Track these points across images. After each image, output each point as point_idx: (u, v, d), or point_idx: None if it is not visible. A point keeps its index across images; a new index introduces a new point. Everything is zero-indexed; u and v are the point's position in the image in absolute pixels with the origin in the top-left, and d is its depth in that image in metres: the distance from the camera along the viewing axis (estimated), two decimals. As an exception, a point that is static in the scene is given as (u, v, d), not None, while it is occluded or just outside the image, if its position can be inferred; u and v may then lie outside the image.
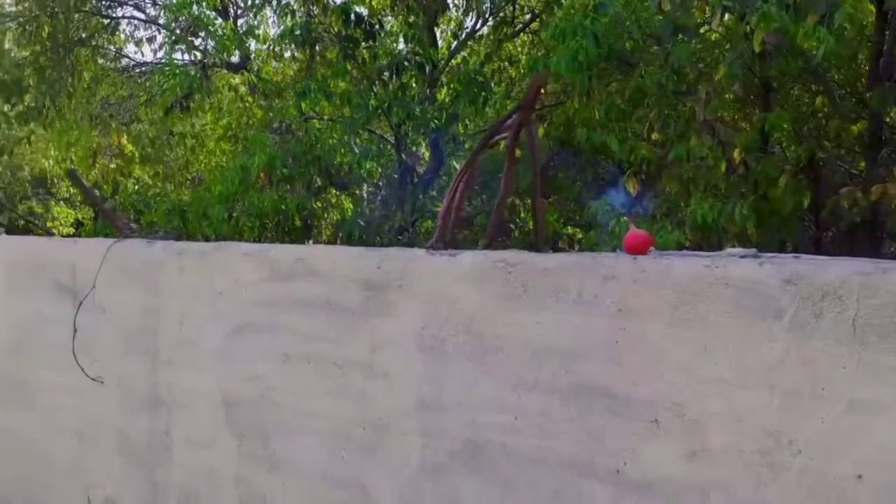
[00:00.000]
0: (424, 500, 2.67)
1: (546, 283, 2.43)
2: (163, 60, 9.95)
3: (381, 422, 2.75)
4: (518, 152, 2.89)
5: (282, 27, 7.96)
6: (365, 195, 11.19)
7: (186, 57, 9.56)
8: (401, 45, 8.47)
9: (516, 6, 9.16)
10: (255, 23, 9.43)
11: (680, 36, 5.03)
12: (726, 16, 4.78)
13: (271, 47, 9.01)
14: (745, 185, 5.12)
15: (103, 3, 11.39)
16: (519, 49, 9.91)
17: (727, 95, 6.25)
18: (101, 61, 11.62)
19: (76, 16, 10.80)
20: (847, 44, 5.29)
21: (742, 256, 2.22)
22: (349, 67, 7.79)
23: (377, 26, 7.84)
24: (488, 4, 8.49)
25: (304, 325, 2.92)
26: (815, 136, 6.37)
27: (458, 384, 2.59)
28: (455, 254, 2.64)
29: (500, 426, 2.51)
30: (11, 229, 13.15)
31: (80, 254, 3.58)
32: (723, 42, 5.44)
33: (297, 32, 7.57)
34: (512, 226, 9.22)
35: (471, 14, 8.81)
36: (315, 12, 8.00)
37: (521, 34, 9.90)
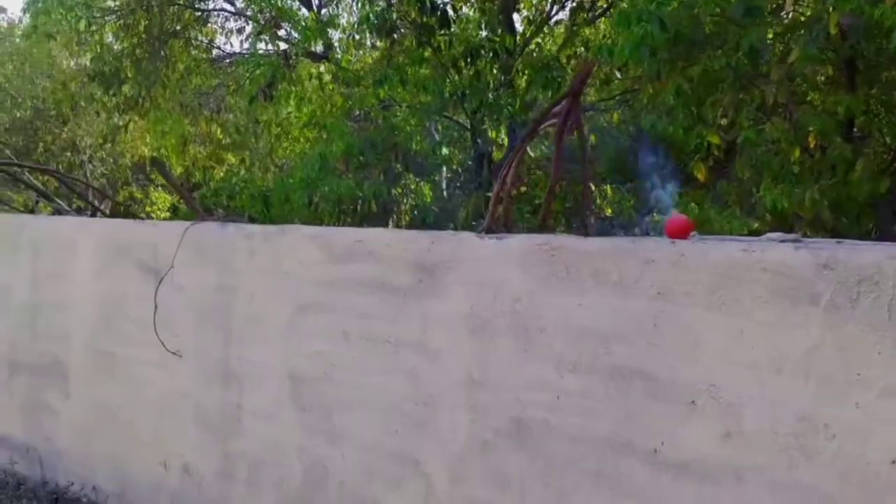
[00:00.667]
0: (472, 475, 2.77)
1: (588, 266, 2.49)
2: (248, 51, 10.32)
3: (431, 398, 2.87)
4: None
5: (359, 16, 8.14)
6: (444, 181, 11.33)
7: (271, 47, 9.90)
8: (477, 32, 8.53)
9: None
10: (337, 12, 9.67)
11: (753, 18, 4.91)
12: (801, -4, 4.66)
13: (351, 36, 9.22)
14: (820, 170, 4.98)
15: (195, -5, 11.87)
16: (598, 34, 9.83)
17: (803, 78, 6.07)
18: (193, 52, 12.12)
19: (170, 9, 11.31)
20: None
21: (782, 241, 2.23)
22: (425, 55, 7.91)
23: (452, 13, 7.93)
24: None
25: (361, 305, 3.05)
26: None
27: (503, 363, 2.68)
28: (502, 237, 2.72)
29: (543, 404, 2.59)
30: (114, 214, 13.89)
31: (160, 236, 3.82)
32: (798, 24, 5.28)
33: (374, 20, 7.74)
34: (588, 212, 9.19)
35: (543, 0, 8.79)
36: (392, 0, 8.16)
37: (602, 19, 9.81)
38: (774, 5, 5.24)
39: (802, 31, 5.03)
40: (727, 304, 2.21)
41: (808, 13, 4.94)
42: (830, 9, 4.48)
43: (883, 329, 1.96)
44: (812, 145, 5.08)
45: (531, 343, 2.61)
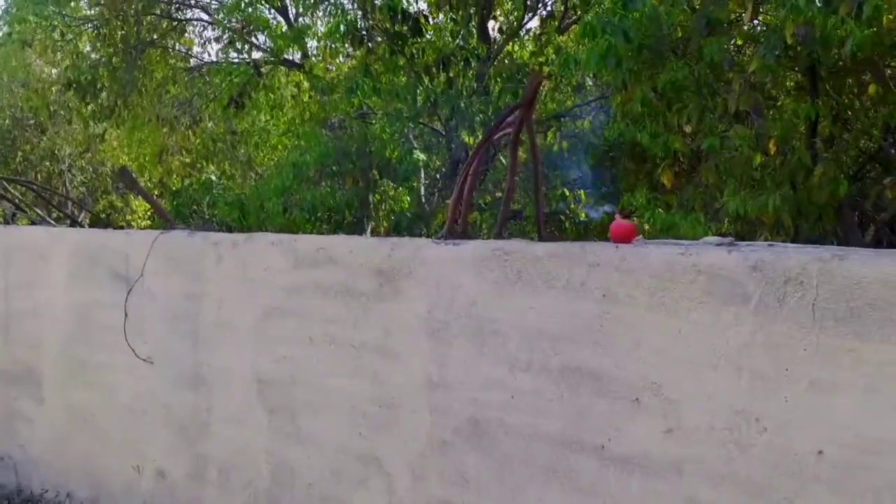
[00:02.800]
0: (433, 474, 2.87)
1: (538, 270, 2.59)
2: (221, 60, 10.38)
3: (393, 400, 2.96)
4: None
5: (332, 24, 8.24)
6: (422, 188, 11.44)
7: (245, 56, 9.95)
8: (450, 41, 8.64)
9: (567, 1, 9.23)
10: (311, 21, 9.76)
11: (712, 31, 5.06)
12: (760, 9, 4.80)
13: (325, 44, 9.31)
14: (780, 176, 5.13)
15: (172, 5, 11.91)
16: (571, 42, 9.98)
17: (772, 85, 6.23)
18: (170, 61, 12.15)
19: (147, 18, 11.34)
20: (889, 33, 5.24)
21: (718, 245, 2.34)
22: (399, 63, 8.01)
23: (423, 22, 8.04)
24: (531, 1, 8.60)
25: (325, 310, 3.14)
26: (863, 126, 6.29)
27: (460, 364, 2.78)
28: (458, 243, 2.82)
29: (498, 404, 2.69)
30: (94, 224, 13.87)
31: (131, 245, 3.89)
32: (757, 35, 5.43)
33: (344, 29, 7.84)
34: (562, 216, 9.34)
35: (517, 9, 8.92)
36: (366, 10, 8.25)
37: (574, 27, 9.96)
38: (735, 17, 5.39)
39: (762, 41, 5.18)
40: (666, 305, 2.32)
41: (768, 24, 5.08)
42: (786, 20, 4.62)
43: (808, 327, 2.08)
44: (773, 151, 5.22)
45: (486, 345, 2.71)
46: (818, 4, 4.38)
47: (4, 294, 4.47)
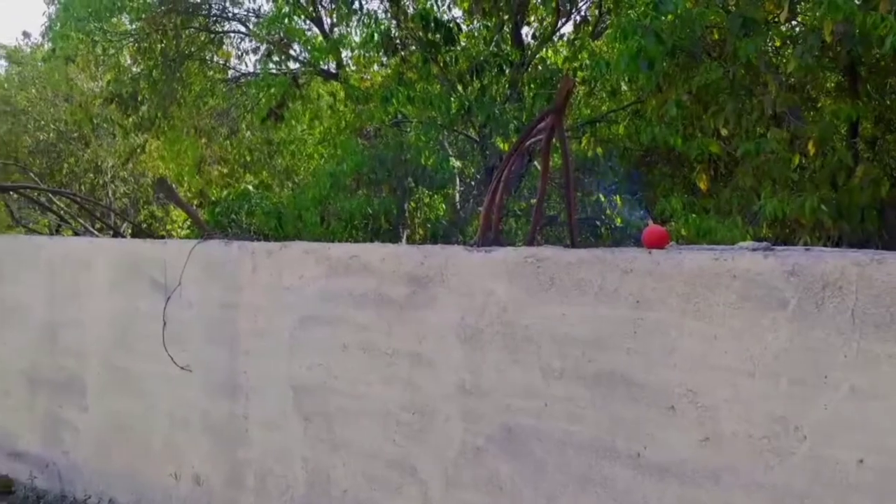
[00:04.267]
0: (466, 481, 2.87)
1: (570, 276, 2.58)
2: (260, 71, 10.54)
3: (426, 407, 2.96)
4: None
5: (366, 35, 8.30)
6: (457, 195, 11.47)
7: (283, 67, 10.09)
8: (484, 48, 8.66)
9: (601, 5, 9.19)
10: (346, 31, 9.86)
11: (748, 31, 4.99)
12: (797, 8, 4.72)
13: (360, 54, 9.39)
14: (820, 178, 5.03)
15: (210, 18, 12.12)
16: (605, 47, 9.93)
17: (812, 85, 6.13)
18: (208, 73, 12.37)
19: (185, 32, 11.57)
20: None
21: (753, 249, 2.31)
22: (433, 71, 8.05)
23: (456, 30, 8.08)
24: (564, 7, 8.58)
25: (359, 317, 3.16)
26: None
27: (493, 371, 2.77)
28: (490, 250, 2.82)
29: (531, 411, 2.68)
30: (136, 234, 14.16)
31: (169, 254, 3.95)
32: (794, 34, 5.35)
33: (378, 39, 7.90)
34: (597, 222, 9.28)
35: (550, 14, 8.89)
36: (399, 19, 8.31)
37: (608, 31, 9.90)
38: (771, 16, 5.32)
39: (799, 41, 5.10)
40: (701, 311, 2.29)
41: (805, 23, 5.00)
42: (824, 18, 4.54)
43: (848, 332, 2.04)
44: (812, 153, 5.13)
45: (519, 351, 2.70)
46: (857, 2, 4.29)
47: (50, 304, 4.57)
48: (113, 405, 4.26)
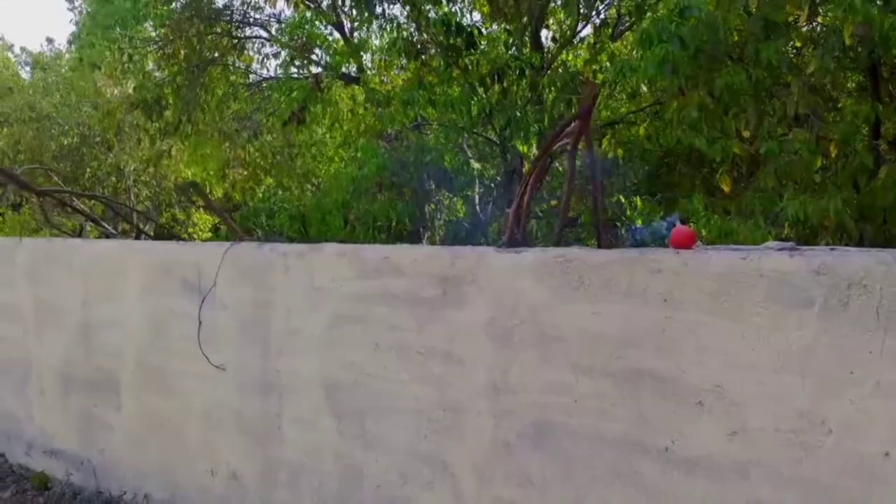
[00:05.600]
0: (497, 476, 2.94)
1: (599, 276, 2.65)
2: (282, 76, 10.68)
3: (458, 404, 3.04)
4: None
5: (388, 40, 8.40)
6: (477, 197, 11.55)
7: (304, 72, 10.22)
8: (504, 51, 8.74)
9: (621, 7, 9.25)
10: (366, 36, 9.97)
11: (770, 34, 5.03)
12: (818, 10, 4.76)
13: (380, 58, 9.50)
14: (842, 179, 5.07)
15: (233, 24, 12.28)
16: (625, 48, 9.98)
17: (833, 86, 6.15)
18: (231, 78, 12.53)
19: (208, 38, 11.73)
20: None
21: (779, 249, 2.37)
22: (453, 74, 8.13)
23: (477, 35, 8.16)
24: (584, 10, 8.65)
25: (390, 317, 3.25)
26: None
27: (524, 369, 2.85)
28: (520, 251, 2.90)
29: (561, 408, 2.75)
30: (158, 236, 14.35)
31: (203, 256, 4.06)
32: (815, 36, 5.38)
33: (402, 45, 8.00)
34: (617, 224, 9.32)
35: (570, 17, 8.97)
36: (420, 24, 8.41)
37: (628, 33, 9.96)
38: (792, 19, 5.35)
39: (820, 42, 5.13)
40: (729, 310, 2.35)
41: (826, 25, 5.03)
42: (843, 19, 4.58)
43: (873, 330, 2.10)
44: (834, 154, 5.16)
45: (549, 350, 2.77)
46: (878, 3, 4.33)
47: (84, 305, 4.69)
48: (148, 404, 4.36)
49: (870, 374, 2.10)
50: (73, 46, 11.84)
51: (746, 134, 5.35)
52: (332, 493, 3.48)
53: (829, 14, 5.27)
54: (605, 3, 9.03)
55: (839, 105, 6.69)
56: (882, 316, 2.08)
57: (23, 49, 24.92)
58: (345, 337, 3.42)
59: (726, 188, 5.46)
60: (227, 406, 3.94)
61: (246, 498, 3.85)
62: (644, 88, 8.07)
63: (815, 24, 5.54)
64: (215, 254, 3.94)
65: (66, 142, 16.77)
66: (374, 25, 8.90)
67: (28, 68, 19.63)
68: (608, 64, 8.17)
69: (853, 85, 6.90)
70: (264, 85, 12.65)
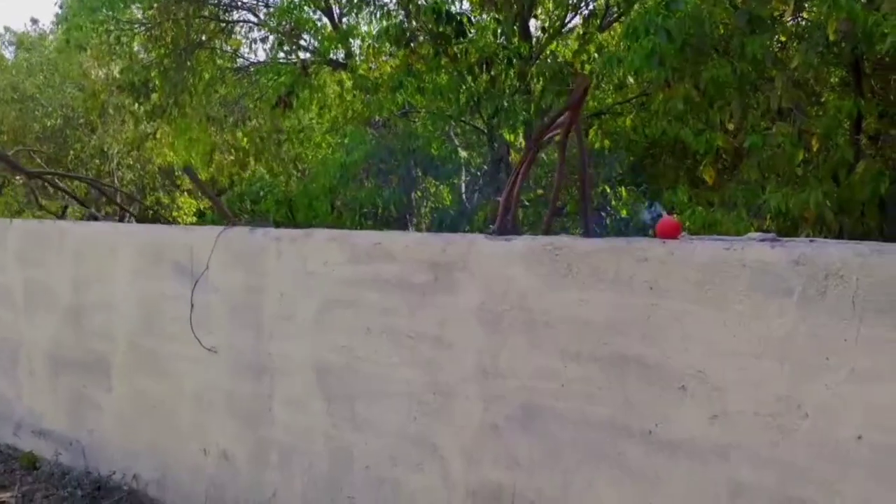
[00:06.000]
0: (485, 458, 3.02)
1: (587, 264, 2.73)
2: (269, 61, 10.66)
3: (447, 388, 3.12)
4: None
5: (378, 27, 8.43)
6: (464, 185, 11.61)
7: (292, 57, 10.21)
8: (493, 40, 8.78)
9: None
10: (356, 22, 9.97)
11: (755, 28, 5.12)
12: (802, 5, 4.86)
13: (368, 44, 9.51)
14: (822, 173, 5.18)
15: (221, 7, 12.22)
16: (613, 39, 10.05)
17: (816, 81, 6.26)
18: (218, 62, 12.48)
19: (196, 21, 11.67)
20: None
21: (761, 240, 2.46)
22: (442, 62, 8.17)
23: (467, 23, 8.20)
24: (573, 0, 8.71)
25: (382, 302, 3.31)
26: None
27: (512, 354, 2.93)
28: (509, 239, 2.97)
29: (549, 392, 2.83)
30: (142, 219, 14.32)
31: (195, 240, 4.10)
32: (799, 31, 5.48)
33: (392, 32, 8.02)
34: (603, 213, 9.43)
35: (559, 7, 9.03)
36: (409, 12, 8.43)
37: (616, 24, 10.02)
38: (777, 13, 5.44)
39: (804, 38, 5.23)
40: (712, 298, 2.44)
41: (810, 20, 5.13)
42: (828, 15, 4.67)
43: (849, 318, 2.19)
44: (816, 148, 5.27)
45: (537, 335, 2.85)
46: (862, 0, 4.43)
47: (75, 287, 4.72)
48: (139, 385, 4.41)
49: (845, 360, 2.20)
50: (58, 27, 11.74)
51: (731, 126, 5.45)
52: (323, 473, 3.56)
53: (814, 10, 5.38)
54: (594, -7, 9.10)
55: (822, 100, 6.81)
56: (857, 305, 2.17)
57: (6, 29, 24.66)
58: (336, 321, 3.49)
59: (710, 180, 5.57)
60: (218, 388, 3.99)
61: (237, 478, 3.91)
62: (630, 80, 8.15)
63: (799, 19, 5.64)
64: (208, 238, 3.98)
65: (49, 123, 16.66)
66: (364, 12, 8.92)
67: (12, 48, 19.42)
68: (596, 55, 8.24)
69: (836, 80, 7.02)
70: (252, 69, 12.61)
